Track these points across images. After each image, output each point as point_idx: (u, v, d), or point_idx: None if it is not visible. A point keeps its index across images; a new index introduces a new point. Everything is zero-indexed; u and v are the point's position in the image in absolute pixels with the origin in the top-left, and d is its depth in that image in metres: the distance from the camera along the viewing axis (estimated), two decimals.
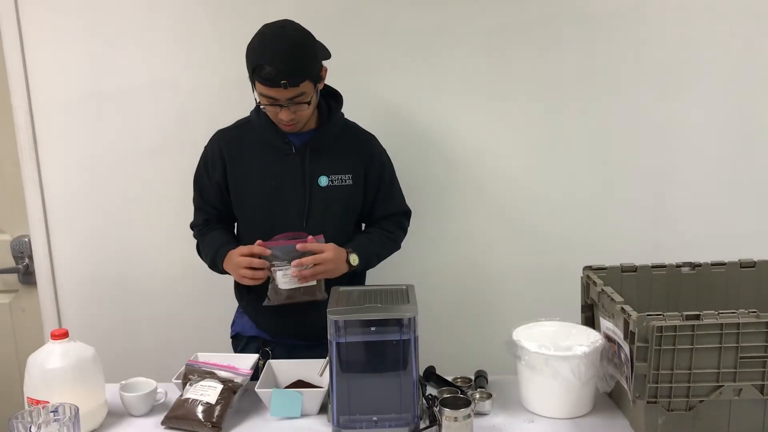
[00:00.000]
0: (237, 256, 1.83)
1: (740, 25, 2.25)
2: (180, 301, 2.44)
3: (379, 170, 1.99)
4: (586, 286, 1.81)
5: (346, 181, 1.93)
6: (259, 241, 1.82)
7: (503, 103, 2.31)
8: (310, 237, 1.82)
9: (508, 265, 2.41)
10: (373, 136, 2.03)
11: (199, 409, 1.64)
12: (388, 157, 2.04)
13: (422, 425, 1.62)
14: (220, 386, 1.68)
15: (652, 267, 1.85)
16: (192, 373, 1.74)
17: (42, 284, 2.46)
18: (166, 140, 2.35)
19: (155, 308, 2.47)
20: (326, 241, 1.85)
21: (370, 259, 1.96)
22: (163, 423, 1.67)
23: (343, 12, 2.27)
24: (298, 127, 1.86)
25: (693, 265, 1.85)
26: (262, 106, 1.82)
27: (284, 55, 1.71)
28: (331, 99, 1.96)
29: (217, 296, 2.33)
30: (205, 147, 1.98)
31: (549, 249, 2.39)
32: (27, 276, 2.51)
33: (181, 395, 1.70)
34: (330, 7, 2.26)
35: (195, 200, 2.03)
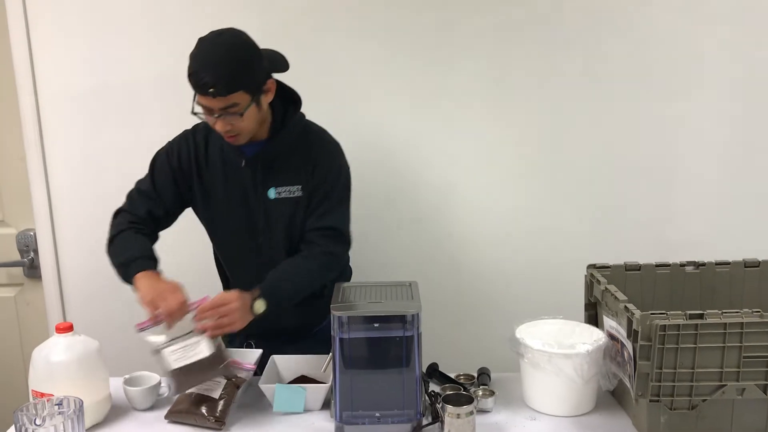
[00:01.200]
0: (170, 293, 1.69)
1: (744, 25, 2.24)
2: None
3: (319, 182, 1.84)
4: (590, 284, 1.81)
5: (294, 193, 1.83)
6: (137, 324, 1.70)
7: (507, 103, 2.31)
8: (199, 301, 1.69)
9: (511, 262, 2.41)
10: (329, 145, 1.89)
11: (203, 403, 1.65)
12: (339, 171, 1.88)
13: (425, 422, 1.62)
14: (223, 381, 1.69)
15: (656, 266, 1.85)
16: None
17: (47, 278, 2.47)
18: (172, 135, 2.34)
19: None
20: (271, 253, 1.81)
21: (282, 300, 1.75)
22: (166, 417, 1.68)
23: (345, 12, 2.26)
24: (242, 140, 1.76)
25: (697, 264, 1.85)
26: (199, 114, 1.73)
27: (216, 64, 1.64)
28: (290, 104, 1.86)
29: (220, 291, 2.34)
30: (172, 141, 1.92)
31: (553, 247, 2.39)
32: (32, 270, 2.52)
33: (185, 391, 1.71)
34: (333, 7, 2.26)
35: (138, 187, 1.90)
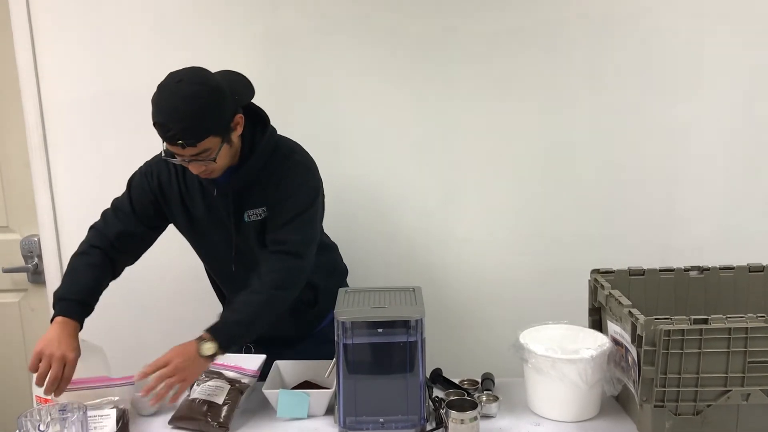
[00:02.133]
0: (56, 359, 1.60)
1: (747, 27, 2.24)
2: (188, 301, 2.45)
3: (280, 198, 1.77)
4: (594, 289, 1.80)
5: (261, 216, 1.79)
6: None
7: (510, 106, 2.31)
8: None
9: (515, 267, 2.41)
10: (294, 164, 1.81)
11: (207, 409, 1.65)
12: (299, 186, 1.79)
13: (428, 427, 1.62)
14: (227, 386, 1.69)
15: (660, 270, 1.84)
16: None
17: (51, 283, 2.47)
18: None
19: (163, 308, 2.47)
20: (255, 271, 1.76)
21: (233, 335, 1.68)
22: (170, 423, 1.68)
23: (348, 15, 2.26)
24: (215, 175, 1.72)
25: (701, 269, 1.84)
26: (168, 160, 1.70)
27: (179, 114, 1.58)
28: (259, 124, 1.80)
29: (215, 301, 2.34)
30: (151, 162, 1.89)
31: (557, 252, 2.38)
32: (36, 275, 2.53)
33: (188, 395, 1.71)
34: (335, 12, 2.26)
35: (115, 206, 1.89)
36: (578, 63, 2.27)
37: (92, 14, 2.30)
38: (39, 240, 2.47)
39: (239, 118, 1.70)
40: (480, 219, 2.39)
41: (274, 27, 2.27)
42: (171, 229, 2.38)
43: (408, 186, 2.34)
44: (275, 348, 1.90)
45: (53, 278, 2.46)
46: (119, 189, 2.40)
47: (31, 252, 2.51)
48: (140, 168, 1.90)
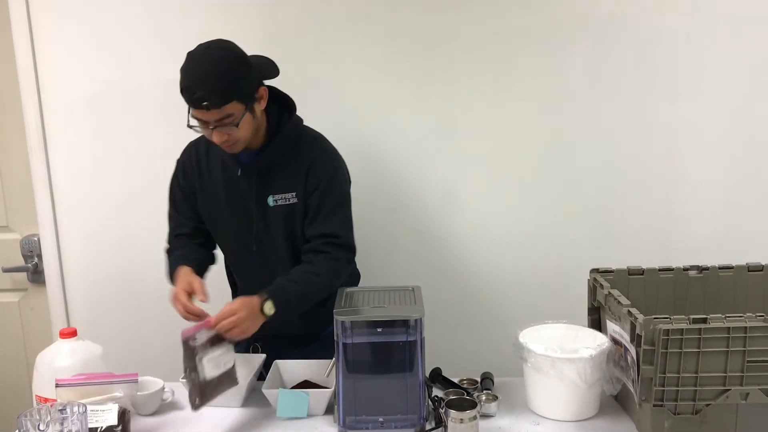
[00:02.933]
0: (177, 287, 1.76)
1: (747, 28, 2.24)
2: None
3: (313, 187, 1.83)
4: (593, 288, 1.80)
5: (290, 200, 1.84)
6: (182, 331, 1.67)
7: (510, 106, 2.31)
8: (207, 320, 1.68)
9: (514, 267, 2.41)
10: (324, 149, 1.89)
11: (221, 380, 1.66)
12: (333, 174, 1.86)
13: (428, 427, 1.62)
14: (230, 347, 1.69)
15: (660, 270, 1.85)
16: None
17: (51, 283, 2.48)
18: (175, 140, 2.35)
19: (163, 307, 2.44)
20: (275, 261, 1.85)
21: (291, 303, 1.75)
22: (196, 410, 1.63)
23: (348, 15, 2.27)
24: (238, 148, 1.77)
25: (700, 269, 1.84)
26: (195, 128, 1.75)
27: (207, 77, 1.66)
28: (285, 111, 1.87)
29: (226, 295, 2.34)
30: (178, 159, 1.96)
31: (556, 251, 2.39)
32: (36, 275, 2.53)
33: (202, 378, 1.64)
34: (336, 12, 2.26)
35: (169, 213, 1.98)
36: (578, 63, 2.28)
37: (91, 15, 2.30)
38: (39, 239, 2.48)
39: (263, 90, 1.77)
40: (479, 219, 2.39)
41: (274, 27, 2.27)
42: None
43: (407, 186, 2.34)
44: (284, 348, 1.91)
45: (53, 278, 2.47)
46: (118, 188, 2.41)
47: (31, 251, 2.51)
48: (173, 173, 1.97)
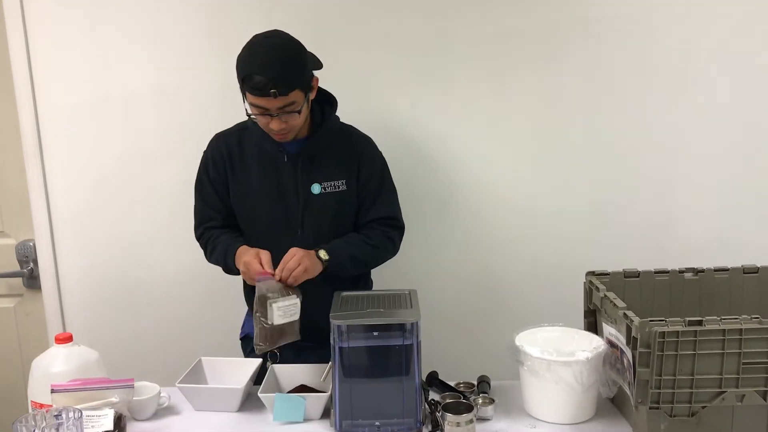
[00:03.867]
0: (246, 257, 1.82)
1: (744, 31, 2.25)
2: (184, 305, 2.45)
3: (369, 175, 1.96)
4: (589, 291, 1.81)
5: (339, 188, 1.92)
6: (257, 273, 1.78)
7: (507, 109, 2.32)
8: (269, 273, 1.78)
9: (511, 270, 2.41)
10: (369, 140, 2.01)
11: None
12: (383, 162, 2.01)
13: (425, 430, 1.62)
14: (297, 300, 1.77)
15: (655, 272, 1.85)
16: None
17: (46, 288, 2.47)
18: (171, 145, 2.37)
19: (160, 312, 2.47)
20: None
21: (342, 258, 1.86)
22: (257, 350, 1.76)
23: (346, 19, 2.27)
24: (290, 137, 1.84)
25: (696, 271, 1.85)
26: (252, 117, 1.80)
27: (273, 65, 1.71)
28: (326, 104, 1.95)
29: (221, 300, 2.34)
30: (205, 151, 1.98)
31: (552, 254, 2.39)
32: (31, 280, 2.52)
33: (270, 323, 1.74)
34: (333, 15, 2.27)
35: (197, 207, 2.01)
36: (575, 65, 2.28)
37: (87, 20, 2.30)
38: (34, 245, 2.47)
39: (315, 80, 1.84)
40: (475, 221, 2.39)
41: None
42: (172, 232, 2.40)
43: (404, 188, 2.34)
44: (303, 353, 1.91)
45: (48, 283, 2.46)
46: (114, 193, 2.41)
47: (27, 257, 2.50)
48: (199, 168, 2.00)
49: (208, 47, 2.30)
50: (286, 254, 1.78)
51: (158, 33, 2.30)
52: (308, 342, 1.95)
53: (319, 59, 1.89)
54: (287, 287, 1.77)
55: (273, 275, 1.75)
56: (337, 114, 1.97)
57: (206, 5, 2.28)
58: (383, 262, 2.02)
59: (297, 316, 1.78)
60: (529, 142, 2.34)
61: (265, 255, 1.80)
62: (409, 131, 2.33)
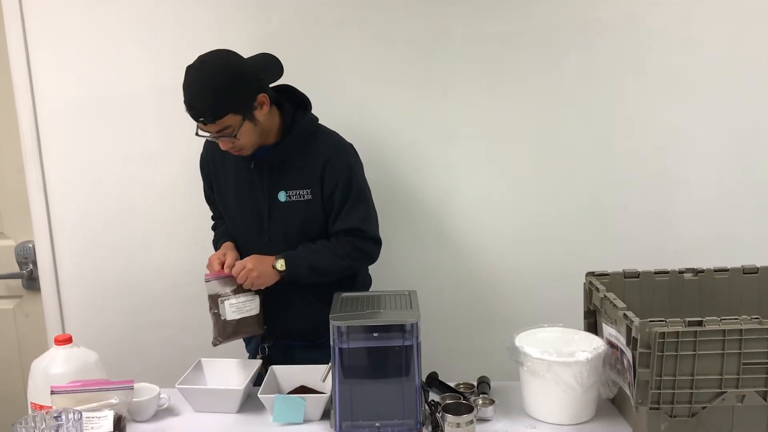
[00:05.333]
0: (212, 255, 1.92)
1: (743, 30, 2.25)
2: (184, 306, 2.45)
3: (333, 186, 1.88)
4: (589, 292, 1.81)
5: (305, 197, 1.88)
6: (205, 274, 1.87)
7: (505, 109, 2.31)
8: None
9: (510, 270, 2.41)
10: (341, 147, 1.93)
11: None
12: (352, 172, 1.90)
13: (425, 431, 1.62)
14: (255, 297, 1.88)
15: (655, 273, 1.85)
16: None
17: (46, 290, 2.47)
18: (170, 145, 2.36)
19: (159, 313, 2.47)
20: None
21: (300, 269, 1.85)
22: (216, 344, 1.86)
23: (343, 18, 2.27)
24: (246, 153, 1.82)
25: (696, 271, 1.85)
26: (201, 136, 1.80)
27: (199, 93, 1.71)
28: (300, 108, 1.91)
29: None
30: (201, 152, 2.04)
31: (552, 255, 2.39)
32: (31, 281, 2.52)
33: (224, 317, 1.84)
34: (331, 14, 2.26)
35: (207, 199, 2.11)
36: (574, 65, 2.28)
37: (86, 21, 2.29)
38: (33, 246, 2.47)
39: (262, 97, 1.78)
40: (475, 222, 2.39)
41: (268, 32, 2.27)
42: (172, 233, 2.40)
43: (403, 189, 2.34)
44: (291, 352, 1.94)
45: (48, 284, 2.46)
46: (113, 194, 2.41)
47: (26, 258, 2.50)
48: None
49: (207, 47, 2.29)
50: (245, 259, 1.85)
51: (158, 33, 2.30)
52: (299, 341, 1.96)
53: (277, 69, 1.87)
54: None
55: (229, 276, 1.83)
56: (315, 116, 1.94)
57: (206, 5, 2.28)
58: (354, 271, 1.99)
59: (254, 312, 1.86)
60: (529, 142, 2.34)
61: (230, 256, 1.87)
62: (408, 132, 2.33)
